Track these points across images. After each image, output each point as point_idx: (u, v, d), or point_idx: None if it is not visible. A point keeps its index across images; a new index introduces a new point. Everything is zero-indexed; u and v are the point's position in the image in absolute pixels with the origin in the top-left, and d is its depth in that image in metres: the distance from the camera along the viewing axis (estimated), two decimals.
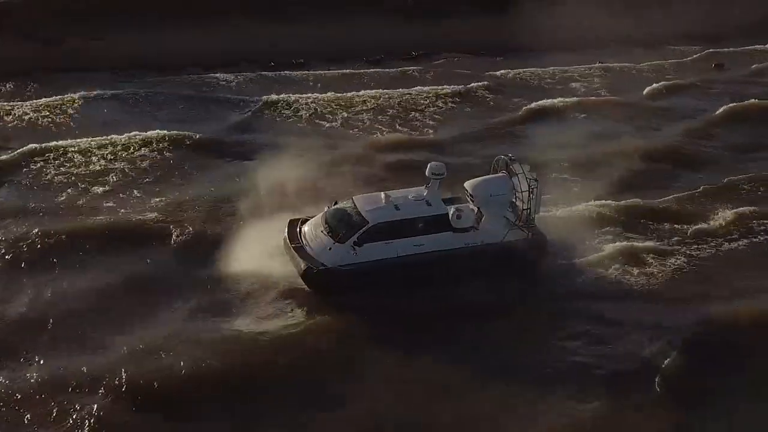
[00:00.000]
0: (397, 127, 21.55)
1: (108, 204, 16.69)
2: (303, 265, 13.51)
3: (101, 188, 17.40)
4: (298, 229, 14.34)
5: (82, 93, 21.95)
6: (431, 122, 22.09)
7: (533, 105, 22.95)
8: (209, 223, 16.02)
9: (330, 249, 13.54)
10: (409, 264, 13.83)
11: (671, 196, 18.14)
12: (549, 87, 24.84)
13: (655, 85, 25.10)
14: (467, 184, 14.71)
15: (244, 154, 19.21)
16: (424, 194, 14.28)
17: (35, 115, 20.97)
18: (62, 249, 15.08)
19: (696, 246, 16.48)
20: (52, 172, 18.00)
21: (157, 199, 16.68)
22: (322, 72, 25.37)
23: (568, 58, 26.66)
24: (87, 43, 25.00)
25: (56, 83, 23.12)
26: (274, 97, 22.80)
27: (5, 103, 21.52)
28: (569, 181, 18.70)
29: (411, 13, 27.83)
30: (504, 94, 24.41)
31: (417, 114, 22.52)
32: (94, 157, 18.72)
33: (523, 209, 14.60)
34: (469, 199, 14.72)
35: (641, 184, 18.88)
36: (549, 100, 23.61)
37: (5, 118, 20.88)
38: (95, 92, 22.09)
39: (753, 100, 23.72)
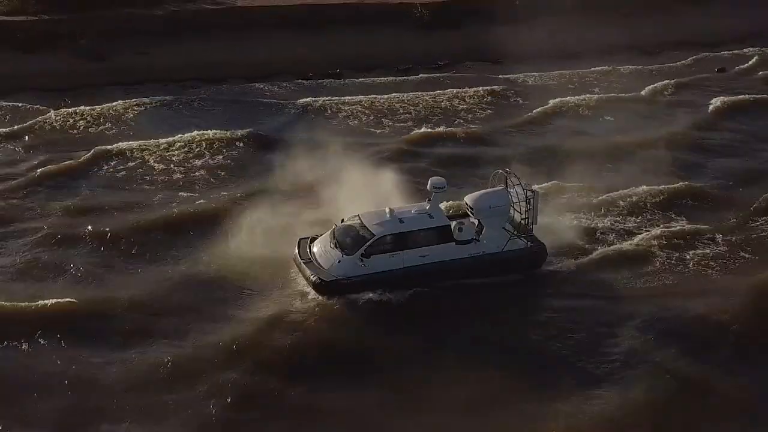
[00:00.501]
0: (438, 123, 22.72)
1: (186, 195, 17.74)
2: (314, 278, 14.07)
3: (177, 183, 18.53)
4: (308, 247, 14.86)
5: (141, 100, 23.22)
6: (468, 119, 23.33)
7: (551, 103, 24.31)
8: (280, 214, 16.76)
9: (339, 262, 14.15)
10: (413, 274, 14.41)
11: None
12: (566, 87, 25.93)
13: (658, 84, 26.47)
14: (467, 198, 15.37)
15: (301, 149, 19.64)
16: (427, 208, 14.80)
17: (99, 121, 22.11)
18: (153, 240, 16.06)
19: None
20: (131, 168, 19.11)
21: (229, 191, 17.69)
22: (357, 80, 26.19)
23: (581, 63, 27.79)
24: (133, 58, 25.94)
25: (112, 93, 24.33)
26: (319, 100, 24.01)
27: (70, 110, 22.64)
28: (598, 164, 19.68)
29: (431, 26, 28.94)
30: (524, 95, 25.82)
31: (452, 113, 23.82)
32: (162, 156, 19.80)
33: (521, 220, 15.24)
34: (469, 212, 15.33)
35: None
36: (569, 98, 24.66)
37: (73, 125, 22.02)
38: (150, 99, 23.38)
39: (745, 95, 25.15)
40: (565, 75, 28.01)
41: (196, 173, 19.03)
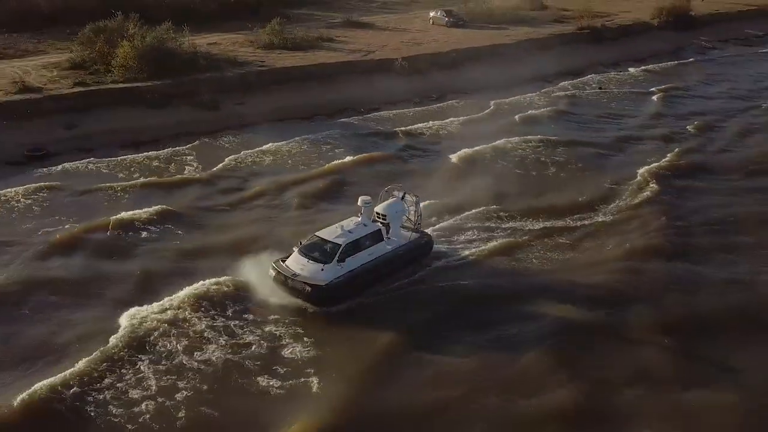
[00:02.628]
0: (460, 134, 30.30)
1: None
2: (309, 288, 15.95)
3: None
4: (283, 266, 16.53)
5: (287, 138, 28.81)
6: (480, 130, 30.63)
7: (521, 115, 33.51)
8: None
9: (323, 270, 16.15)
10: (369, 268, 16.99)
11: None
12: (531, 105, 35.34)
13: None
14: (378, 208, 18.06)
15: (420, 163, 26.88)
16: (360, 220, 17.52)
17: (255, 160, 27.05)
18: None
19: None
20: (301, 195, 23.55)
21: None
22: (392, 111, 33.88)
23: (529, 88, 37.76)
24: (235, 107, 32.69)
25: (243, 135, 29.69)
26: (410, 128, 31.03)
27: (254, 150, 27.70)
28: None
29: (410, 73, 38.74)
30: (507, 111, 34.29)
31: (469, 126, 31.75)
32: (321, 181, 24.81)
33: (415, 219, 18.92)
34: (379, 219, 17.95)
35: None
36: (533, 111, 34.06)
37: (260, 161, 27.02)
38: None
39: None
40: (526, 98, 36.53)
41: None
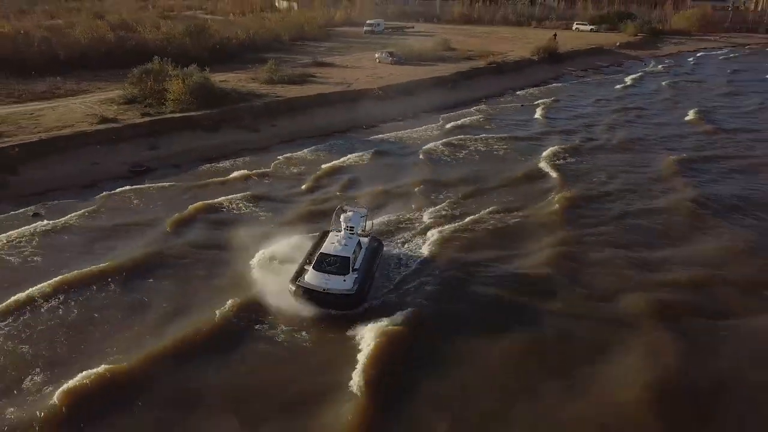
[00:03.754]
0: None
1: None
2: (342, 297, 16.50)
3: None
4: (310, 282, 16.84)
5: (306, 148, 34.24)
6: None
7: (451, 124, 40.45)
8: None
9: (345, 280, 16.75)
10: (365, 270, 17.69)
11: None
12: (469, 114, 44.94)
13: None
14: (343, 219, 18.47)
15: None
16: (343, 233, 18.06)
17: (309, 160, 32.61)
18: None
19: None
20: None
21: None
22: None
23: (469, 104, 47.95)
24: (270, 128, 38.11)
25: (282, 149, 34.94)
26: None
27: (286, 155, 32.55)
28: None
29: (385, 99, 47.72)
30: (455, 117, 42.01)
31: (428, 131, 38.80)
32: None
33: (366, 228, 19.65)
34: (346, 227, 18.35)
35: None
36: (466, 119, 42.51)
37: (316, 160, 32.02)
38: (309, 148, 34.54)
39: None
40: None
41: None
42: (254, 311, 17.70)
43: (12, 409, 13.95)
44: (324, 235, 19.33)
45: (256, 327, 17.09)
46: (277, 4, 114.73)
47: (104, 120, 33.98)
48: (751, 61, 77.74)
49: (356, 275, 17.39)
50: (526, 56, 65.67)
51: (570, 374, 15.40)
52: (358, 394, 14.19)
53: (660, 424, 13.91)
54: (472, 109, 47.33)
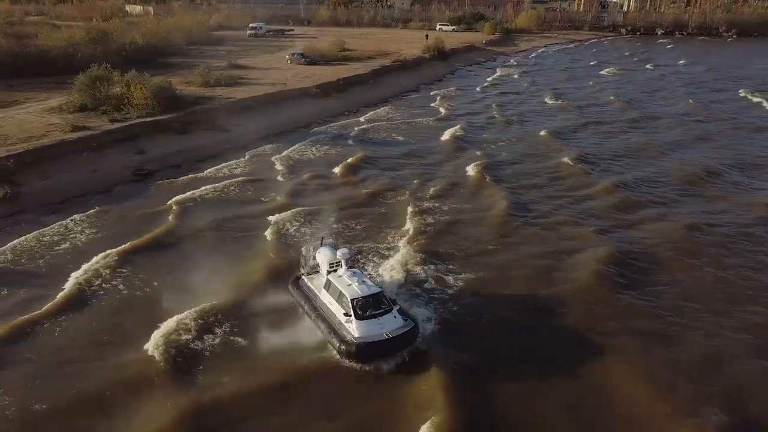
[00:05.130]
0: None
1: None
2: (409, 334, 15.24)
3: None
4: (371, 335, 14.92)
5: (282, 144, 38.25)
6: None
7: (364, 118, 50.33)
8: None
9: (395, 316, 15.45)
10: None
11: None
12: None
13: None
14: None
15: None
16: (345, 268, 16.57)
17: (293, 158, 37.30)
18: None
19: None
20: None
21: None
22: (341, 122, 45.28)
23: (394, 94, 55.49)
24: (236, 128, 41.00)
25: (264, 145, 38.15)
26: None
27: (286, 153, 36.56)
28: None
29: (322, 96, 52.33)
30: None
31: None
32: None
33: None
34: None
35: None
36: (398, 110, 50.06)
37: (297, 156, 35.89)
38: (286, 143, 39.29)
39: None
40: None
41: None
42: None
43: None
44: (298, 285, 17.87)
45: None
46: (128, 8, 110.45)
47: (77, 128, 33.99)
48: (584, 52, 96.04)
49: (397, 305, 15.99)
50: (419, 54, 74.08)
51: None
52: None
53: None
54: (397, 101, 54.01)
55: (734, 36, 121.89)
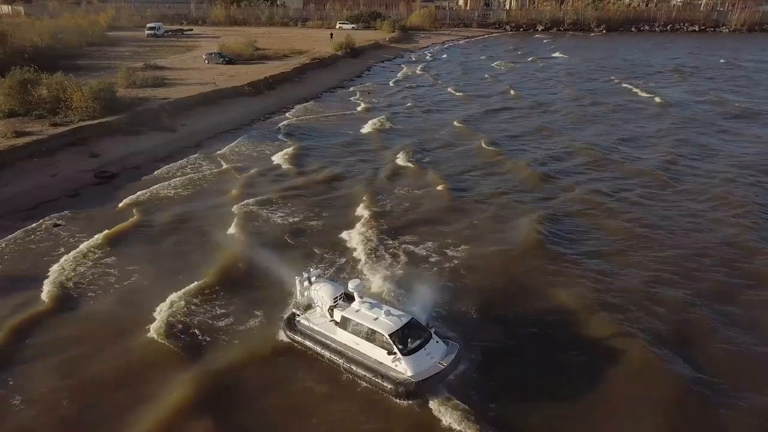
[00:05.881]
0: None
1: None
2: (456, 356, 14.53)
3: None
4: (425, 366, 13.95)
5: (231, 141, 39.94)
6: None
7: (299, 113, 52.84)
8: None
9: (438, 341, 14.71)
10: None
11: None
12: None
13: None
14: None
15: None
16: (362, 300, 15.23)
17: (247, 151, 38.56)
18: None
19: None
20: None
21: None
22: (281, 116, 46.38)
23: (328, 87, 57.35)
24: (182, 128, 40.76)
25: (213, 142, 39.22)
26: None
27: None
28: None
29: (255, 94, 52.70)
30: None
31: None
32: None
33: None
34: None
35: None
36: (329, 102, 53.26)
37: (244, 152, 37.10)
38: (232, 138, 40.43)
39: None
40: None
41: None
42: None
43: None
44: (295, 326, 16.17)
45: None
46: None
47: (20, 134, 32.58)
48: (475, 48, 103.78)
49: (432, 328, 15.14)
50: (333, 52, 76.27)
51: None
52: None
53: None
54: (326, 97, 56.09)
55: (603, 31, 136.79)
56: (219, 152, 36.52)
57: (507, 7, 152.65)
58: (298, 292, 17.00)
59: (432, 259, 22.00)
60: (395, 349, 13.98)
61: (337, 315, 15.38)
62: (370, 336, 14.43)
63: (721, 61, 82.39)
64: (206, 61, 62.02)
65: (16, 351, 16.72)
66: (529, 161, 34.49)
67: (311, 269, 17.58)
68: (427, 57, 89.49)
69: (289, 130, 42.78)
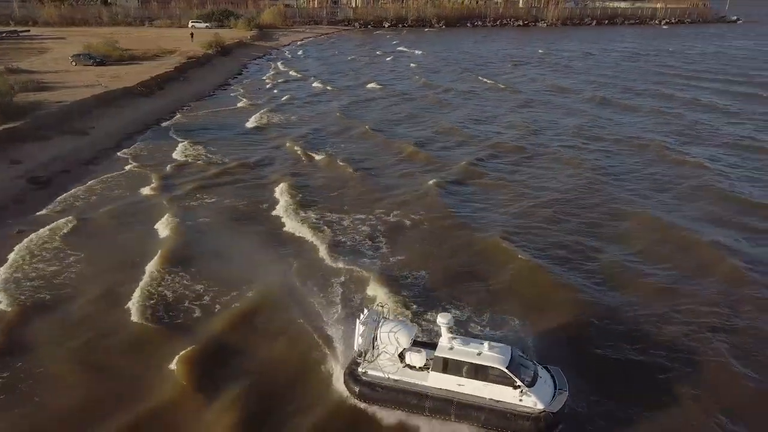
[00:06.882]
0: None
1: None
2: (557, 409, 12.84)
3: None
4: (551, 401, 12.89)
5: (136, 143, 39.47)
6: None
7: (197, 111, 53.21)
8: None
9: (539, 366, 13.80)
10: None
11: None
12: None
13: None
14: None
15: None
16: (451, 335, 13.53)
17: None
18: None
19: None
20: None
21: None
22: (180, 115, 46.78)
23: (214, 83, 56.86)
24: (92, 130, 38.53)
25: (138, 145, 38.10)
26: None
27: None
28: None
29: (147, 95, 50.91)
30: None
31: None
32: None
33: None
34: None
35: None
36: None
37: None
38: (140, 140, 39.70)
39: None
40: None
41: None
42: None
43: None
44: (367, 382, 13.63)
45: None
46: None
47: None
48: (331, 43, 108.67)
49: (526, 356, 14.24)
50: (203, 51, 75.42)
51: None
52: None
53: None
54: (218, 94, 56.99)
55: (443, 26, 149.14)
56: (139, 152, 37.05)
57: (353, 5, 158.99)
58: (359, 337, 13.96)
59: (353, 222, 25.58)
60: (518, 383, 12.69)
61: (414, 359, 13.51)
62: (480, 374, 12.83)
63: (540, 51, 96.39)
64: (73, 63, 58.56)
65: None
66: (413, 143, 38.53)
67: (374, 308, 15.01)
68: (290, 54, 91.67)
69: (192, 127, 43.56)
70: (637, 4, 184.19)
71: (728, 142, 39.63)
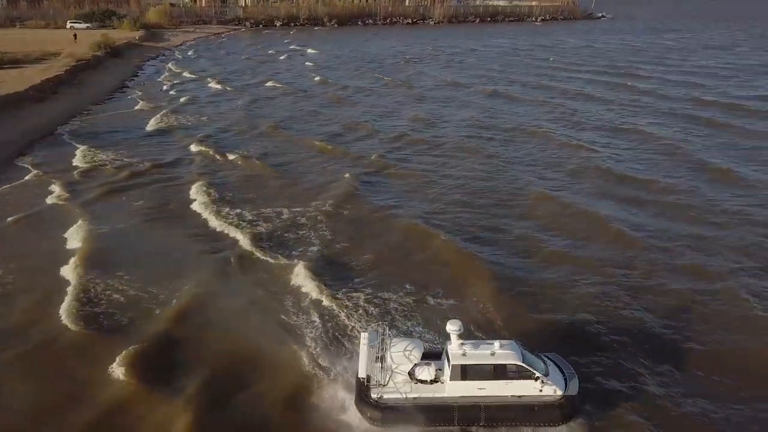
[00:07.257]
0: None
1: None
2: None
3: None
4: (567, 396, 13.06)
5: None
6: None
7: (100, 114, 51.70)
8: None
9: (550, 368, 13.70)
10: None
11: None
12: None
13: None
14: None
15: None
16: (461, 341, 13.35)
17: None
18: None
19: None
20: None
21: None
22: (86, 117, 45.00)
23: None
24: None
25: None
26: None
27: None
28: None
29: (44, 99, 48.15)
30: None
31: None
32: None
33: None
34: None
35: None
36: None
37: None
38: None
39: None
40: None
41: None
42: None
43: None
44: (384, 404, 13.06)
45: None
46: None
47: None
48: (223, 43, 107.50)
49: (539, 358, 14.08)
50: (92, 53, 72.16)
51: None
52: None
53: None
54: (117, 96, 55.83)
55: (335, 25, 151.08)
56: (41, 159, 35.79)
57: (243, 4, 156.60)
58: (365, 357, 13.42)
59: (276, 215, 26.83)
60: (537, 374, 12.95)
61: (424, 372, 13.28)
62: (499, 373, 12.87)
63: (429, 48, 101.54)
64: None
65: None
66: (321, 136, 40.53)
67: (372, 329, 14.69)
68: (182, 55, 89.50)
69: (95, 131, 42.57)
70: (515, 3, 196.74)
71: (605, 126, 44.97)
